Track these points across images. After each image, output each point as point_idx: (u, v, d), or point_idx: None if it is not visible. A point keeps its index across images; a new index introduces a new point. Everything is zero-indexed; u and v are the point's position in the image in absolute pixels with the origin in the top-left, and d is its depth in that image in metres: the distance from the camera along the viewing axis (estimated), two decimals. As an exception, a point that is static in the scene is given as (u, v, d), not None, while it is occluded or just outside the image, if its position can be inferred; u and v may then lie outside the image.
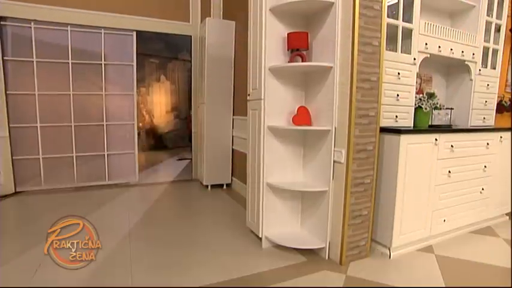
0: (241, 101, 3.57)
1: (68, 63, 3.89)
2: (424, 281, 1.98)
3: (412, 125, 2.55)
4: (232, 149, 4.04)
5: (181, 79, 7.67)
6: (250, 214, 2.56)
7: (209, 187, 4.06)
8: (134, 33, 4.15)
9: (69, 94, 3.95)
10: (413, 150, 2.20)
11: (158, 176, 5.04)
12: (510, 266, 2.20)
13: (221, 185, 4.12)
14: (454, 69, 3.03)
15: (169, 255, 2.26)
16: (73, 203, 3.52)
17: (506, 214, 3.09)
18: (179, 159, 6.45)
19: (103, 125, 4.18)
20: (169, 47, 7.23)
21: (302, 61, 2.23)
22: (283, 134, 2.36)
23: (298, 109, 2.28)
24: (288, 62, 2.26)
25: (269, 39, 2.23)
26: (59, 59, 3.87)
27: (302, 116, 2.24)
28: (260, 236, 2.39)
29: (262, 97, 2.24)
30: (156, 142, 7.51)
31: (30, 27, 3.70)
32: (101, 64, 4.07)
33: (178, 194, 4.02)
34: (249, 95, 2.47)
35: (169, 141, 7.60)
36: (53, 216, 2.98)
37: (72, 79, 3.94)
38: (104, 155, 4.25)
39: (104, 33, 4.02)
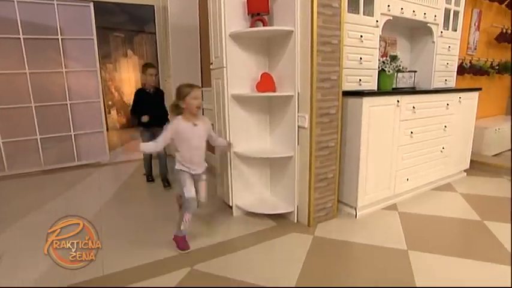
0: (208, 71, 3.47)
1: (20, 38, 3.61)
2: (386, 236, 2.09)
3: (376, 88, 2.58)
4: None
5: (150, 53, 7.32)
6: (220, 184, 2.58)
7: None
8: (91, 4, 3.88)
9: (25, 73, 3.70)
10: (376, 113, 2.25)
11: (131, 153, 4.93)
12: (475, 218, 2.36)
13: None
14: (417, 31, 3.06)
15: (141, 229, 2.27)
16: (42, 187, 3.40)
17: (464, 171, 3.28)
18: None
19: (67, 104, 3.98)
20: (134, 19, 6.85)
21: (263, 26, 2.17)
22: (247, 101, 2.34)
23: (261, 76, 2.25)
24: (249, 27, 2.20)
25: (228, 3, 2.14)
26: (8, 34, 3.58)
27: (265, 82, 2.22)
28: (231, 205, 2.43)
29: (225, 65, 2.19)
30: (128, 120, 7.29)
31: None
32: (58, 39, 3.81)
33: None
34: (211, 63, 2.41)
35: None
36: (20, 200, 2.93)
37: (26, 56, 3.68)
38: (71, 135, 4.09)
39: (57, 4, 3.73)
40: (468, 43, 3.79)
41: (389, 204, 2.58)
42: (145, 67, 3.13)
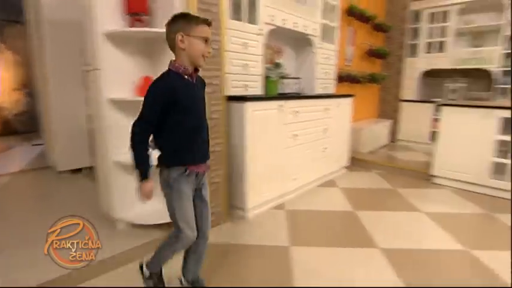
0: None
1: None
2: (271, 235, 2.21)
3: (263, 94, 2.71)
4: (90, 129, 3.60)
5: (29, 48, 6.33)
6: (102, 196, 2.35)
7: (65, 173, 3.56)
8: None
9: None
10: (260, 117, 2.36)
11: (1, 167, 4.15)
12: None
13: (80, 169, 3.66)
14: (300, 42, 3.34)
15: (6, 254, 1.91)
16: None
17: (345, 167, 3.72)
18: (34, 145, 5.46)
19: None
20: (6, 7, 5.83)
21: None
22: (129, 106, 2.16)
23: (142, 79, 2.13)
24: (129, 27, 2.06)
25: (101, 0, 1.96)
26: None
27: (146, 86, 2.09)
28: (116, 218, 2.23)
29: (99, 67, 1.99)
30: (2, 126, 6.14)
31: None
32: None
33: (23, 185, 3.39)
34: (85, 65, 2.17)
35: (19, 125, 6.32)
36: None
37: None
38: None
39: None
40: (345, 55, 4.32)
41: (279, 203, 2.74)
42: (188, 20, 1.30)
